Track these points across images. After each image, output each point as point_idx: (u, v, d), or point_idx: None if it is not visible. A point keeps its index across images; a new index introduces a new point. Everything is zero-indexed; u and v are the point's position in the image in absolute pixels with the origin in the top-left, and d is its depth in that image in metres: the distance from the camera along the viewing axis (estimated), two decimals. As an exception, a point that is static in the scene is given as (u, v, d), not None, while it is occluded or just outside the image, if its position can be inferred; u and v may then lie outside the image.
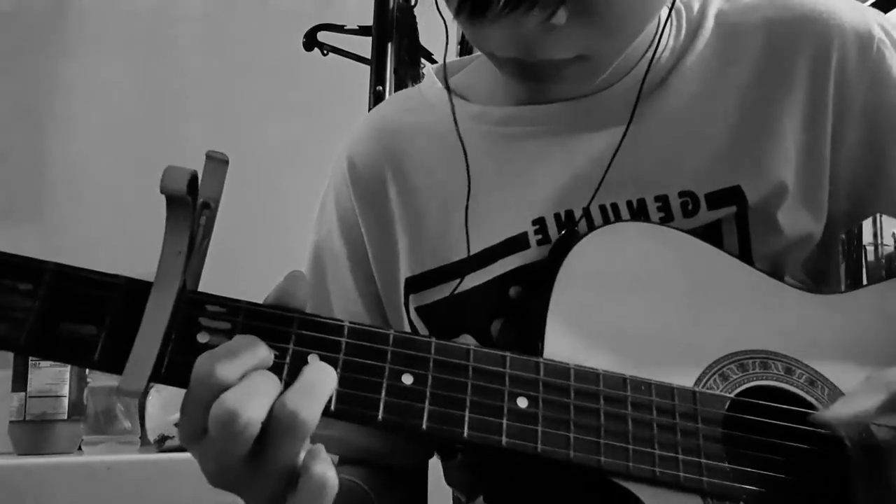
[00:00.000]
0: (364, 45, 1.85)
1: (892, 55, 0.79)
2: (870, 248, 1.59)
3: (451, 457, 0.87)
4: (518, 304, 0.77)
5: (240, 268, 1.96)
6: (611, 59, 0.74)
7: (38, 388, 1.53)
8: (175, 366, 0.56)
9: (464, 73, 0.90)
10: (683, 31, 0.83)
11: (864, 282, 1.44)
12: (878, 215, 1.63)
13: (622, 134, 0.79)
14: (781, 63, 0.79)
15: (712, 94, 0.80)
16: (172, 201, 0.54)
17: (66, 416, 1.53)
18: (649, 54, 0.81)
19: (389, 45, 1.78)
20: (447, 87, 0.86)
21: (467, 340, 0.78)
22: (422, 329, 0.82)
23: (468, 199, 0.80)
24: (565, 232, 0.78)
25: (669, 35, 0.82)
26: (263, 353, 0.56)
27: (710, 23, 0.82)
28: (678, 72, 0.81)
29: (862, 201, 0.81)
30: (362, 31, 1.87)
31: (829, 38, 0.78)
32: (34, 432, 1.52)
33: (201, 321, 0.57)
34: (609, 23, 0.68)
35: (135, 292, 0.57)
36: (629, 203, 0.78)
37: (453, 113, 0.83)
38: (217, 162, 0.56)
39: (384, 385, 0.59)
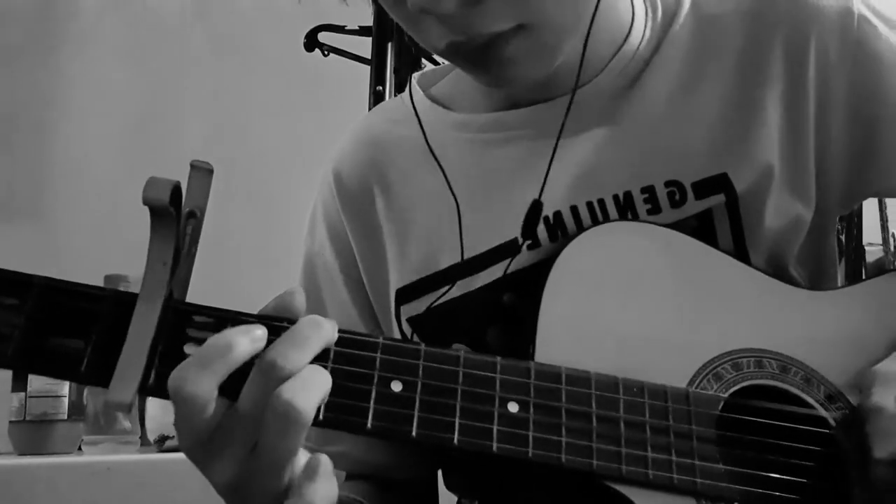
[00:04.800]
0: (364, 46, 1.85)
1: (874, 30, 0.78)
2: (869, 249, 1.58)
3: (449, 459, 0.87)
4: (511, 309, 0.77)
5: (239, 268, 1.97)
6: (558, 30, 0.71)
7: (38, 388, 1.53)
8: (163, 378, 0.55)
9: (445, 81, 0.89)
10: (659, 21, 0.82)
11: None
12: (884, 214, 1.63)
13: (605, 132, 0.78)
14: (760, 47, 0.78)
15: (693, 83, 0.79)
16: (155, 212, 0.54)
17: (66, 416, 1.53)
18: (627, 48, 0.80)
19: (389, 45, 1.78)
20: (412, 100, 0.86)
21: (460, 349, 0.78)
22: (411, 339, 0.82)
23: (459, 211, 0.80)
24: (529, 209, 0.77)
25: (645, 25, 0.81)
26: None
27: (685, 11, 0.81)
28: (656, 62, 0.80)
29: (854, 182, 0.80)
30: (362, 31, 1.86)
31: (806, 18, 0.78)
32: (34, 432, 1.52)
33: (189, 332, 0.57)
34: None
35: (121, 304, 0.56)
36: (615, 197, 0.77)
37: (421, 127, 0.82)
38: (202, 171, 0.56)
39: (373, 392, 0.59)
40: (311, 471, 0.56)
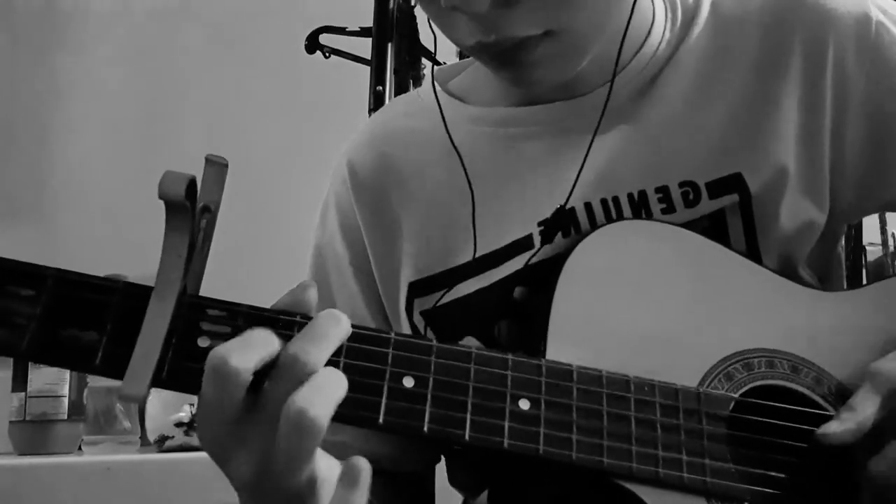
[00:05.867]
0: (365, 47, 1.85)
1: (891, 37, 0.78)
2: (869, 249, 1.59)
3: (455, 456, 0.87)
4: (522, 304, 0.77)
5: (241, 269, 1.96)
6: (585, 36, 0.72)
7: (38, 388, 1.53)
8: (176, 370, 0.56)
9: (462, 76, 0.90)
10: (679, 22, 0.82)
11: (864, 281, 1.44)
12: (883, 217, 1.64)
13: (621, 131, 0.78)
14: (778, 50, 0.78)
15: (710, 83, 0.79)
16: (171, 206, 0.53)
17: (66, 416, 1.52)
18: (646, 48, 0.80)
19: (389, 45, 1.78)
20: (435, 92, 0.86)
21: (471, 343, 0.78)
22: (425, 333, 0.82)
23: (473, 204, 0.80)
24: (553, 214, 0.77)
25: (665, 27, 0.82)
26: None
27: (705, 12, 0.82)
28: (675, 63, 0.80)
29: (869, 189, 0.80)
30: (363, 32, 1.86)
31: (825, 23, 0.78)
32: (34, 432, 1.52)
33: (202, 325, 0.57)
34: None
35: (135, 297, 0.56)
36: (630, 196, 0.78)
37: (443, 118, 0.83)
38: (217, 166, 0.56)
39: (385, 388, 0.59)
40: (351, 480, 0.55)
